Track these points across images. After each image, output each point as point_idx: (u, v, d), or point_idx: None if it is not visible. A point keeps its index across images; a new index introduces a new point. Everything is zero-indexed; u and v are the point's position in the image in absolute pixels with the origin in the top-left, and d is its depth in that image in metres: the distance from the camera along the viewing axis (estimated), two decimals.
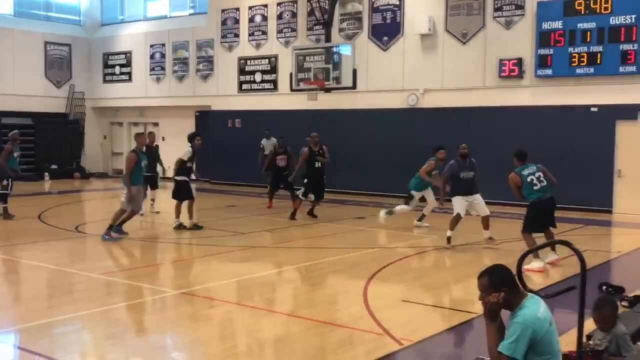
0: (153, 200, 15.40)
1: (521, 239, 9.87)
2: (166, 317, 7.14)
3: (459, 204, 11.15)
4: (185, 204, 12.78)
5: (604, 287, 7.76)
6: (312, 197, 14.39)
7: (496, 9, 17.50)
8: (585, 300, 4.07)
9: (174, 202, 12.86)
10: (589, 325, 4.85)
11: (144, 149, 12.46)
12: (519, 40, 17.14)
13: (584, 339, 4.46)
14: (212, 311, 7.39)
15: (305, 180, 14.41)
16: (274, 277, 9.20)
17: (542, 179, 9.59)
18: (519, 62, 17.03)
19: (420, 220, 13.47)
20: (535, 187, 9.54)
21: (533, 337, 3.59)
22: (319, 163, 14.35)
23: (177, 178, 12.78)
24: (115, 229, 11.44)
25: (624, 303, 7.00)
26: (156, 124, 25.96)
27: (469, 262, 10.02)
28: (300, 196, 14.44)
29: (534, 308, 3.67)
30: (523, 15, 17.08)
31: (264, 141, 18.93)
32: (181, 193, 12.78)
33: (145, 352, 5.90)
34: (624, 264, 10.42)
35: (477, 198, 11.36)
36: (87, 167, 26.08)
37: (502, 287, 3.69)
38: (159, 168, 15.29)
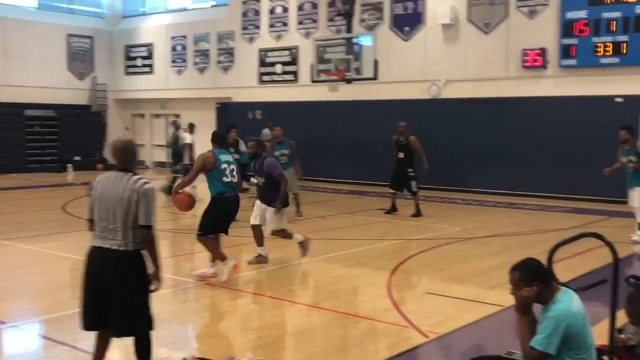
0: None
1: (549, 230, 9.75)
2: (189, 308, 7.15)
3: None
4: None
5: (631, 280, 7.64)
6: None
7: None
8: (617, 294, 3.99)
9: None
10: (619, 318, 4.76)
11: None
12: (542, 30, 16.92)
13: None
14: (234, 302, 7.39)
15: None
16: (296, 268, 9.18)
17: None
18: (543, 52, 16.82)
19: None
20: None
21: (567, 332, 3.53)
22: (403, 154, 13.81)
23: None
24: None
25: None
26: (177, 116, 26.03)
27: (494, 253, 9.93)
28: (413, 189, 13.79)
29: (568, 302, 3.60)
30: (547, 4, 16.84)
31: (266, 131, 19.15)
32: None
33: (168, 343, 5.90)
34: None
35: None
36: (110, 159, 26.24)
37: (534, 281, 3.63)
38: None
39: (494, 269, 8.72)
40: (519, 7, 17.30)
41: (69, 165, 24.38)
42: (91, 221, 4.64)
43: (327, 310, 6.86)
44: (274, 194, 8.78)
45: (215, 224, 7.96)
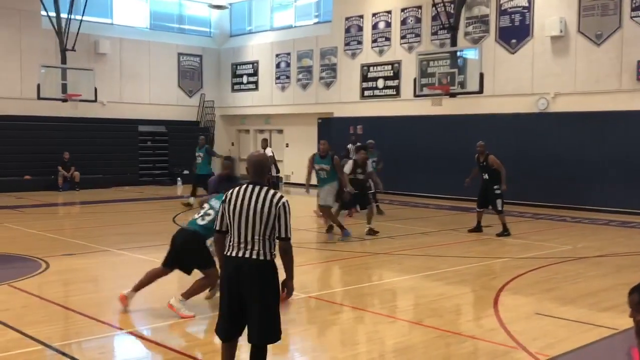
0: None
1: None
2: (292, 321, 7.23)
3: None
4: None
5: None
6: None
7: (634, 9, 16.53)
8: None
9: None
10: None
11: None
12: None
13: None
14: (336, 317, 7.41)
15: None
16: (398, 284, 9.11)
17: None
18: None
19: None
20: None
21: None
22: (487, 174, 13.44)
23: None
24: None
25: None
26: (281, 131, 26.60)
27: (606, 274, 9.48)
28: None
29: None
30: None
31: (350, 146, 19.30)
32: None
33: (273, 355, 5.99)
34: None
35: None
36: (217, 172, 27.07)
37: None
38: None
39: (605, 291, 8.33)
40: (633, 17, 16.55)
41: (178, 178, 25.32)
42: (219, 232, 4.82)
43: (430, 327, 6.76)
44: None
45: None
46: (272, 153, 19.62)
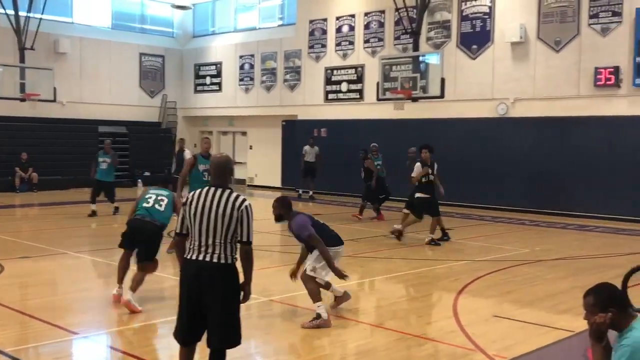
0: None
1: (621, 254, 9.42)
2: (253, 325, 7.18)
3: None
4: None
5: None
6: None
7: (592, 16, 16.88)
8: None
9: None
10: None
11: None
12: (615, 48, 16.47)
13: None
14: (298, 320, 7.38)
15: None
16: (360, 287, 9.13)
17: None
18: (616, 70, 16.35)
19: None
20: None
21: None
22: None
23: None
24: None
25: None
26: (244, 133, 26.49)
27: (563, 277, 9.64)
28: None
29: None
30: (620, 22, 16.40)
31: (306, 148, 19.59)
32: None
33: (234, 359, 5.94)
34: None
35: None
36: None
37: (609, 306, 3.49)
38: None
39: (563, 293, 8.47)
40: (591, 24, 16.90)
41: (139, 180, 25.02)
42: (180, 235, 4.76)
43: (391, 330, 6.79)
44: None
45: None
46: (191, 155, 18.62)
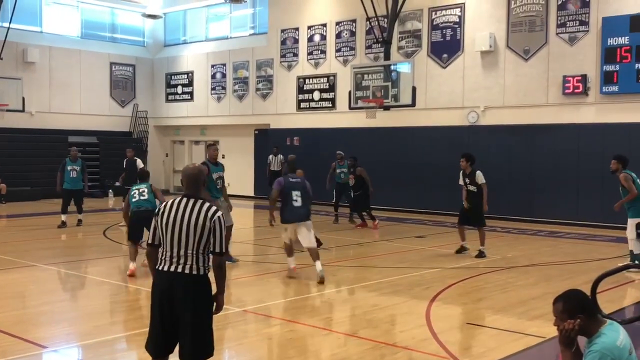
0: None
1: (591, 260, 9.53)
2: (226, 335, 7.14)
3: None
4: None
5: None
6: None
7: (559, 25, 17.15)
8: None
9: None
10: None
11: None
12: (583, 57, 16.74)
13: None
14: (271, 330, 7.36)
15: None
16: (333, 296, 9.13)
17: None
18: (584, 78, 16.61)
19: None
20: None
21: None
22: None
23: None
24: None
25: None
26: (216, 142, 26.36)
27: (534, 283, 9.74)
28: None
29: (613, 336, 3.49)
30: (587, 31, 16.68)
31: (271, 157, 19.68)
32: None
33: None
34: None
35: None
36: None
37: (578, 312, 3.54)
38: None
39: (534, 300, 8.55)
40: (559, 33, 17.17)
41: (110, 190, 24.75)
42: (152, 245, 4.71)
43: (365, 339, 6.79)
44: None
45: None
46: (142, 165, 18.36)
